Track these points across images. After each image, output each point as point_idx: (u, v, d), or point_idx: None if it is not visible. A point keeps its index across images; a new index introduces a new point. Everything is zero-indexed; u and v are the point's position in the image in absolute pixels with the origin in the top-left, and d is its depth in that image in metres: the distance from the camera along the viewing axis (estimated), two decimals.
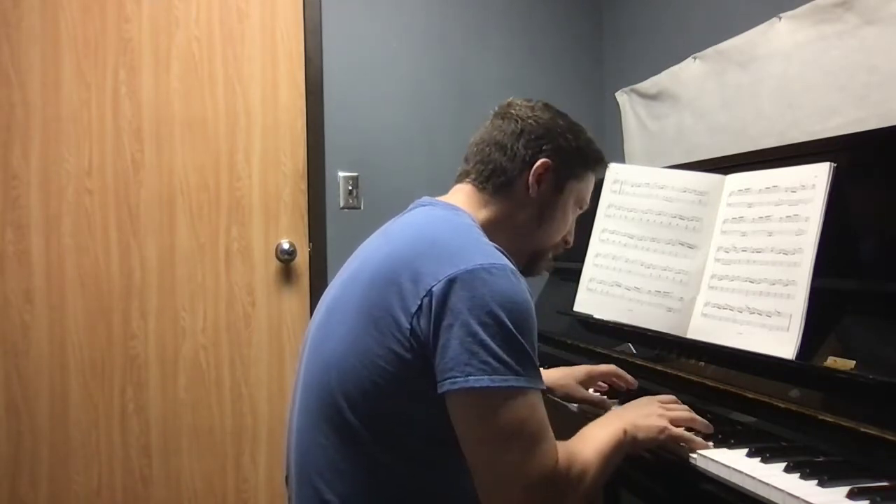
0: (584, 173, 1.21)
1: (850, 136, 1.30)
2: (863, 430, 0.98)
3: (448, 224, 1.06)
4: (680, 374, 1.37)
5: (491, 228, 1.12)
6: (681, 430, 1.10)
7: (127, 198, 2.24)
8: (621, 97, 2.56)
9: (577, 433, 1.06)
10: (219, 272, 2.31)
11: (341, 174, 2.43)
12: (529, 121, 1.16)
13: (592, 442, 1.02)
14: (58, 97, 2.18)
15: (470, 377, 0.90)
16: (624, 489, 1.94)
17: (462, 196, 1.16)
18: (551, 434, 0.95)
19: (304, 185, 2.40)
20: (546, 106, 1.20)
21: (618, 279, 1.61)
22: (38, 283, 2.16)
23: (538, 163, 1.14)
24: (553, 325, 1.90)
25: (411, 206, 1.17)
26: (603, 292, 1.64)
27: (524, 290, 0.97)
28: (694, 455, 1.06)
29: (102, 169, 2.22)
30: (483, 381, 0.90)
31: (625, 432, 1.05)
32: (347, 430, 0.99)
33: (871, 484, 0.88)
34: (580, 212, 1.25)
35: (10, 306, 2.14)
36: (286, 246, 2.35)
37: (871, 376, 1.00)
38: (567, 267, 2.01)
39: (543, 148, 1.15)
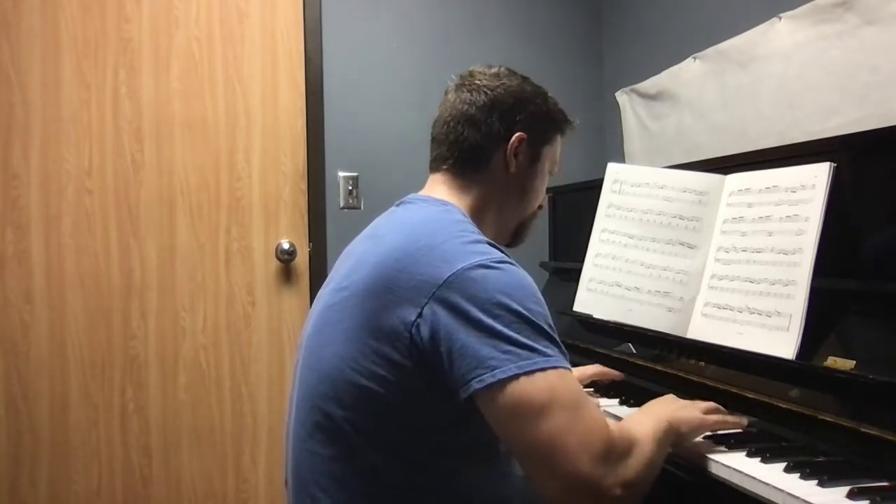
0: (555, 137, 1.19)
1: (850, 136, 1.30)
2: (863, 430, 0.98)
3: (439, 223, 1.02)
4: (680, 374, 1.38)
5: (477, 213, 1.11)
6: (717, 417, 1.11)
7: (127, 198, 2.24)
8: (621, 97, 2.56)
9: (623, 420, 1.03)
10: (219, 272, 2.31)
11: (341, 174, 2.43)
12: (499, 90, 1.12)
13: (643, 425, 0.98)
14: (58, 97, 2.18)
15: (496, 370, 0.87)
16: None
17: (443, 188, 1.13)
18: (594, 404, 0.91)
19: (304, 185, 2.40)
20: (511, 72, 1.17)
21: (618, 279, 1.61)
22: (38, 283, 2.16)
23: (514, 137, 1.11)
24: (553, 325, 1.90)
25: (397, 203, 1.14)
26: (603, 292, 1.64)
27: (525, 275, 0.96)
28: (693, 453, 1.06)
29: (102, 169, 2.22)
30: (511, 370, 0.87)
31: (670, 423, 1.02)
32: (345, 440, 0.97)
33: (871, 484, 0.88)
34: (553, 174, 1.23)
35: (10, 306, 2.14)
36: (286, 246, 2.35)
37: (871, 376, 1.00)
38: (567, 267, 2.01)
39: (517, 119, 1.12)
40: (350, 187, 2.43)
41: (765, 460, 0.99)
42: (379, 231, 1.09)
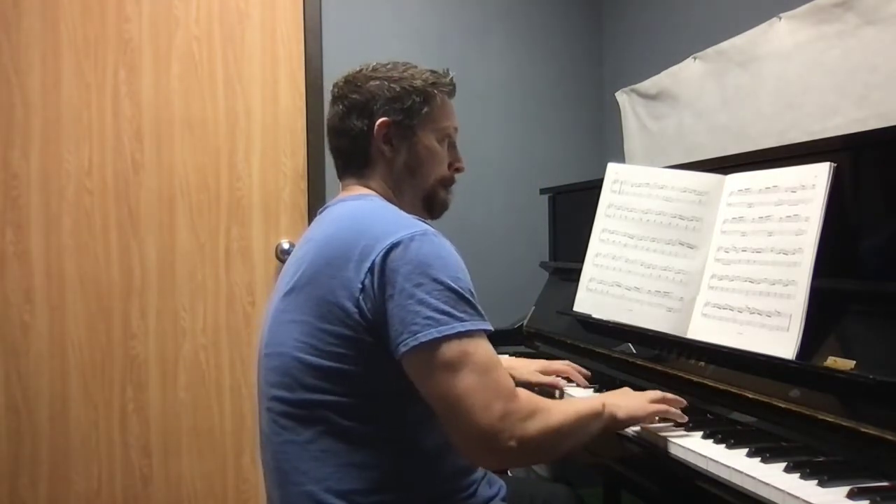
0: (426, 104, 1.20)
1: (850, 136, 1.30)
2: (863, 430, 0.98)
3: (365, 210, 1.13)
4: (680, 374, 1.38)
5: (387, 200, 1.17)
6: (659, 406, 1.17)
7: (127, 198, 2.24)
8: (621, 97, 2.55)
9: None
10: (219, 272, 2.31)
11: None
12: (352, 96, 1.19)
13: (568, 402, 1.13)
14: (58, 97, 2.18)
15: (418, 334, 0.97)
16: (624, 490, 1.94)
17: (354, 189, 1.21)
18: (504, 369, 1.01)
19: (304, 185, 2.40)
20: (361, 70, 1.21)
21: (618, 279, 1.61)
22: (38, 283, 2.16)
23: (375, 127, 1.17)
24: (553, 325, 1.90)
25: (322, 209, 1.22)
26: (603, 292, 1.64)
27: (448, 245, 1.05)
28: (693, 454, 1.06)
29: (102, 169, 2.22)
30: (431, 333, 0.97)
31: (604, 405, 1.11)
32: (323, 419, 1.04)
33: (871, 484, 0.88)
34: (454, 135, 1.25)
35: (10, 306, 2.14)
36: (286, 246, 2.35)
37: (871, 376, 1.00)
38: (567, 267, 2.02)
39: (375, 110, 1.17)
40: None
41: (765, 460, 0.99)
42: (311, 235, 1.17)
